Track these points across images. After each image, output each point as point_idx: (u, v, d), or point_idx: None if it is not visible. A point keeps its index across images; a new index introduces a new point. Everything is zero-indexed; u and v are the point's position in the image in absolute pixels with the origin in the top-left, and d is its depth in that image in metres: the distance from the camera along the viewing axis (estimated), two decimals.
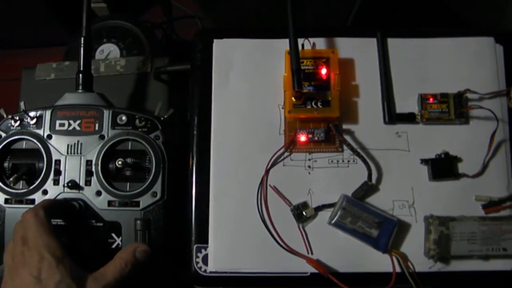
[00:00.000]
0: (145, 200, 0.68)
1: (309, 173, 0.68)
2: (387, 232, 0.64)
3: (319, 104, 0.66)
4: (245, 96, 0.70)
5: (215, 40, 0.72)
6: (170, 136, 0.71)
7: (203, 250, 0.66)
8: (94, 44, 0.89)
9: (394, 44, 0.71)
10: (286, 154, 0.68)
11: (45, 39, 1.23)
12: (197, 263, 0.66)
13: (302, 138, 0.67)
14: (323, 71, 0.67)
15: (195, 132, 0.69)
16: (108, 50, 0.89)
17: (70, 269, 0.54)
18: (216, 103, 0.70)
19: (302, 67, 0.66)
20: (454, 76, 0.68)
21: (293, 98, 0.65)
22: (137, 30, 0.90)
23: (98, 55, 0.88)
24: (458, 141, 0.67)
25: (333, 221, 0.64)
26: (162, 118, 0.71)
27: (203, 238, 0.66)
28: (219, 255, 0.65)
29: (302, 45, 0.68)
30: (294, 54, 0.62)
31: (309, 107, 0.66)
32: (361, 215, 0.64)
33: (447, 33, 0.72)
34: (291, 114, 0.66)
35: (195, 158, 0.69)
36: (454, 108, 0.68)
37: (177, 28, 1.19)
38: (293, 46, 0.62)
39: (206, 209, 0.66)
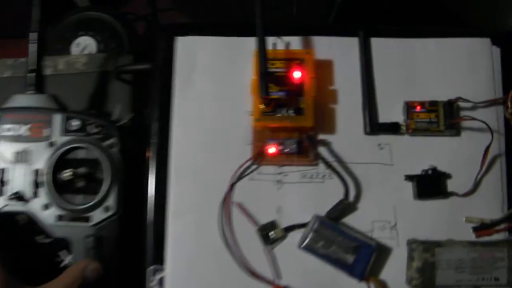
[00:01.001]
0: (98, 215, 0.61)
1: (278, 189, 0.60)
2: (364, 258, 0.56)
3: (291, 112, 0.58)
4: (210, 100, 0.63)
5: (177, 38, 0.64)
6: (129, 143, 0.64)
7: (159, 272, 0.59)
8: (70, 37, 0.83)
9: (379, 45, 0.64)
10: (253, 167, 0.60)
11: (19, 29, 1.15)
12: (151, 286, 0.59)
13: (272, 149, 0.59)
14: (297, 74, 0.59)
15: (153, 140, 0.61)
16: (85, 44, 0.82)
17: (6, 283, 0.50)
18: (177, 107, 0.63)
19: (273, 70, 0.58)
20: (445, 81, 0.62)
21: (261, 105, 0.57)
22: (117, 23, 0.83)
23: (74, 48, 0.81)
24: (447, 155, 0.61)
25: (303, 245, 0.57)
26: (119, 123, 0.63)
27: (159, 259, 0.60)
28: (176, 278, 0.59)
29: (274, 44, 0.60)
30: (261, 54, 0.54)
31: (279, 115, 0.58)
32: (335, 238, 0.56)
33: (438, 33, 0.64)
34: (259, 123, 0.58)
35: (152, 169, 0.61)
36: (444, 118, 0.60)
37: (163, 21, 1.11)
38: (261, 45, 0.54)
39: (164, 227, 0.60)
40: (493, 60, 0.62)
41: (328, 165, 0.58)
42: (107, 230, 0.60)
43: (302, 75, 0.59)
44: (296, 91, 0.59)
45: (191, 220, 0.61)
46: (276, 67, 0.60)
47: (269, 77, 0.58)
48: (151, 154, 0.62)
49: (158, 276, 0.60)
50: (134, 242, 0.62)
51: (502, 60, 0.62)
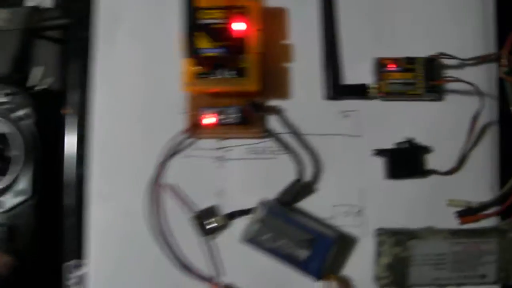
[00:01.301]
0: (9, 201, 0.53)
1: (219, 167, 0.49)
2: (321, 253, 0.46)
3: (231, 73, 0.46)
4: (136, 61, 0.53)
5: None
6: (47, 114, 0.54)
7: (79, 268, 0.50)
8: None
9: None
10: (188, 141, 0.49)
11: None
12: (70, 285, 0.50)
13: (209, 120, 0.47)
14: (238, 26, 0.47)
15: (71, 110, 0.50)
16: None
17: None
18: (99, 71, 0.53)
19: (209, 21, 0.46)
20: (425, 32, 0.52)
21: (194, 66, 0.46)
22: None
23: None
24: (427, 125, 0.51)
25: (246, 238, 0.46)
26: (35, 90, 0.51)
27: (79, 253, 0.51)
28: (100, 275, 0.50)
29: None
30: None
31: (217, 77, 0.46)
32: (286, 230, 0.46)
33: None
34: (191, 88, 0.47)
35: (71, 146, 0.52)
36: (423, 78, 0.49)
37: None
38: None
39: (85, 215, 0.51)
40: (484, 4, 0.51)
41: (278, 138, 0.47)
42: (21, 218, 0.52)
43: (245, 28, 0.47)
44: (238, 47, 0.47)
45: (116, 206, 0.51)
46: (213, 18, 0.48)
47: (203, 30, 0.46)
48: (69, 128, 0.51)
49: (78, 273, 0.49)
50: (53, 232, 0.53)
51: (496, 4, 0.51)
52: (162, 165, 0.50)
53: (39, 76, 0.56)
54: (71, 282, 0.51)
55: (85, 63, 0.53)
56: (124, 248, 0.50)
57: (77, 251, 0.51)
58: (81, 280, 0.50)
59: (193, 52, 0.43)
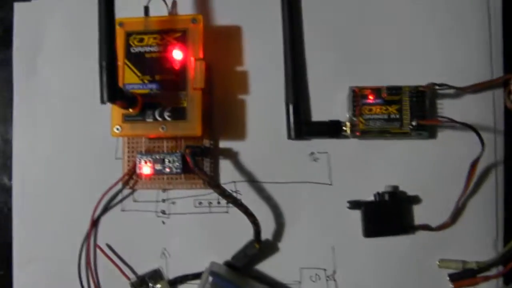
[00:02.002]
0: None
1: (163, 222, 0.42)
2: None
3: (167, 115, 0.37)
4: (61, 94, 0.45)
5: (15, 4, 0.45)
6: None
7: None
8: None
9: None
10: (126, 192, 0.41)
11: None
12: None
13: (146, 169, 0.38)
14: (176, 54, 0.38)
15: None
16: None
17: None
18: (18, 105, 0.45)
19: (142, 49, 0.38)
20: (413, 52, 0.42)
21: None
22: None
23: None
24: (415, 170, 0.42)
25: None
26: None
27: None
28: None
29: (146, 8, 0.39)
30: (104, 28, 0.33)
31: (149, 120, 0.37)
32: None
33: None
34: (120, 133, 0.38)
35: None
36: (410, 113, 0.38)
37: None
38: (103, 9, 0.33)
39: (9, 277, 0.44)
40: (490, 17, 0.41)
41: (224, 192, 0.38)
42: None
43: (183, 57, 0.37)
44: (175, 81, 0.38)
45: (42, 270, 0.44)
46: (147, 45, 0.39)
47: (135, 60, 0.39)
48: None
49: None
50: None
51: (504, 18, 0.41)
52: (94, 222, 0.42)
53: None
54: None
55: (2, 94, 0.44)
56: None
57: None
58: None
59: (106, 99, 0.33)
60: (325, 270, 0.42)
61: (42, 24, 0.46)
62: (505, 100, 0.41)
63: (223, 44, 0.43)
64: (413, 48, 0.42)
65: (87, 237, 0.43)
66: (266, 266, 0.43)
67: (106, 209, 0.43)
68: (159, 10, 0.42)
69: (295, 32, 0.42)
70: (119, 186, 0.43)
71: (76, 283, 0.43)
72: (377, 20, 0.43)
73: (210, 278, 0.39)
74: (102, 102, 0.34)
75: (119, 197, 0.43)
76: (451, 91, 0.41)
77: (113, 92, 0.34)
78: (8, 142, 0.45)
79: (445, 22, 0.42)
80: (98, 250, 0.43)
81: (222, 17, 0.43)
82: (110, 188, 0.42)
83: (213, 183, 0.39)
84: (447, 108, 0.42)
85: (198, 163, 0.39)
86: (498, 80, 0.41)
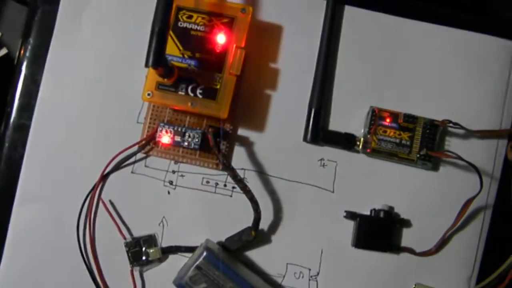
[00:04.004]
0: None
1: (168, 192, 0.43)
2: None
3: (199, 92, 0.39)
4: (99, 52, 0.45)
5: None
6: None
7: None
8: None
9: (352, 16, 0.45)
10: (139, 155, 0.42)
11: None
12: None
13: (165, 139, 0.40)
14: (220, 38, 0.39)
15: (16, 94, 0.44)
16: None
17: None
18: (52, 56, 0.45)
19: (189, 25, 0.40)
20: (435, 89, 0.45)
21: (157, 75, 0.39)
22: None
23: None
24: (412, 195, 0.44)
25: (177, 282, 0.39)
26: None
27: None
28: (10, 276, 0.44)
29: None
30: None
31: (181, 93, 0.39)
32: (223, 283, 0.39)
33: (441, 18, 0.45)
34: (150, 98, 0.39)
35: (6, 138, 0.44)
36: (420, 143, 0.40)
37: None
38: None
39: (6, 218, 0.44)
40: (510, 73, 0.42)
41: (236, 176, 0.39)
42: None
43: (226, 42, 0.39)
44: (215, 63, 0.40)
45: (42, 213, 0.44)
46: (194, 23, 0.40)
47: (180, 35, 0.41)
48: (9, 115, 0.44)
49: None
50: None
51: None
52: (103, 177, 0.43)
53: None
54: None
55: (47, 41, 0.45)
56: (42, 256, 0.44)
57: None
58: None
59: (151, 63, 0.35)
60: (309, 269, 0.44)
61: None
62: (507, 151, 0.44)
63: (263, 39, 0.44)
64: (436, 85, 0.44)
65: (93, 189, 0.44)
66: (255, 254, 0.44)
67: (117, 167, 0.44)
68: None
69: (331, 43, 0.44)
70: (135, 149, 0.44)
71: (72, 232, 0.44)
72: (410, 53, 0.45)
73: (205, 253, 0.41)
74: (146, 65, 0.35)
75: (132, 159, 0.44)
76: (462, 131, 0.44)
77: (159, 58, 0.35)
78: (36, 83, 0.45)
79: (470, 68, 0.45)
80: (100, 205, 0.44)
81: (267, 14, 0.45)
82: (126, 149, 0.43)
83: (228, 165, 0.41)
84: (453, 145, 0.44)
85: (217, 143, 0.41)
86: (505, 131, 0.44)
